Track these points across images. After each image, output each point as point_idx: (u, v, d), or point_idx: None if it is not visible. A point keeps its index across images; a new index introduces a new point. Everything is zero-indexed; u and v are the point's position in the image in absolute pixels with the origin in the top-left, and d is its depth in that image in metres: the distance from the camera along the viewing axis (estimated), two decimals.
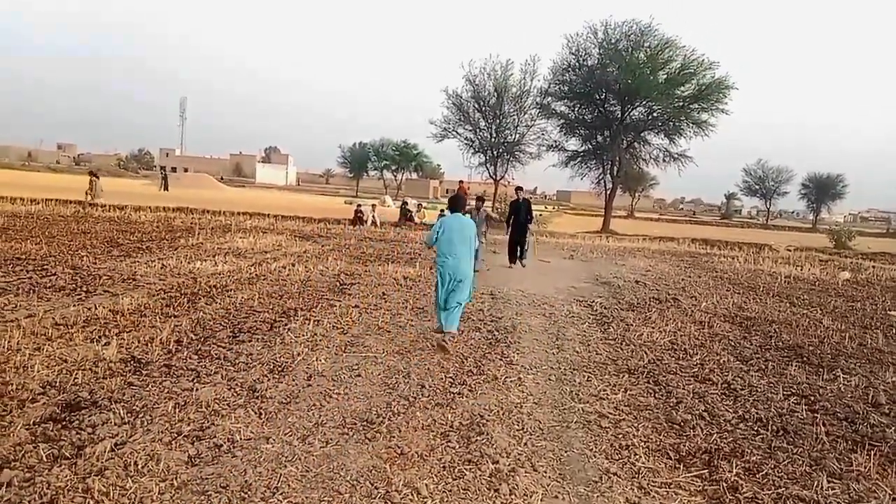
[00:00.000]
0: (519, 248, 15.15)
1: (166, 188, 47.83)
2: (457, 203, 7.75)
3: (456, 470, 4.06)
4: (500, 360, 6.78)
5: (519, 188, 16.50)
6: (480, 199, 15.91)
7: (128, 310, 7.64)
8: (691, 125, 33.58)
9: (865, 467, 4.51)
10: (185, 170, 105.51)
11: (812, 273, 18.58)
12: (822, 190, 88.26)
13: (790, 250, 29.03)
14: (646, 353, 7.47)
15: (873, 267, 22.38)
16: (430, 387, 5.68)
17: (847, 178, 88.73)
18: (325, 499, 3.61)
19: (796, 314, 10.88)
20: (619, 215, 48.27)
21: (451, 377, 6.02)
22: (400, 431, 4.61)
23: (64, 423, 4.31)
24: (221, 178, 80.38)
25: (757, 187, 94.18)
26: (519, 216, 15.12)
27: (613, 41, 33.18)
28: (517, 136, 34.98)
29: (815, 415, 5.64)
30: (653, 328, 8.90)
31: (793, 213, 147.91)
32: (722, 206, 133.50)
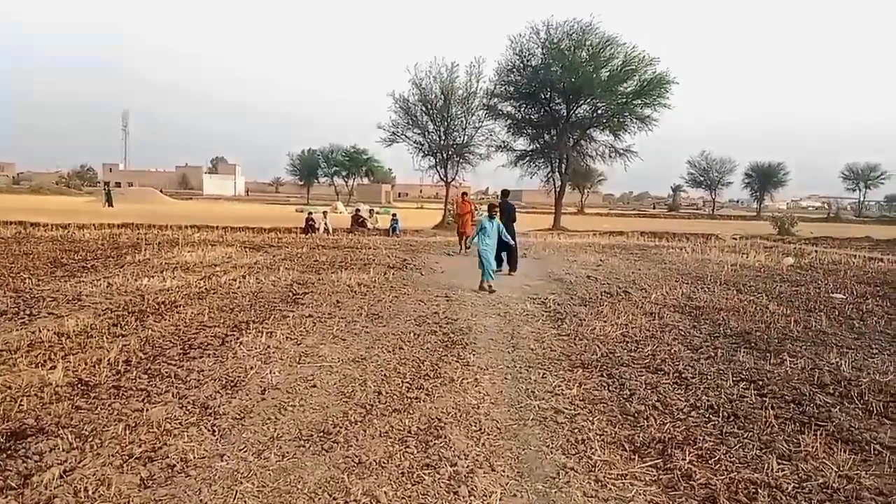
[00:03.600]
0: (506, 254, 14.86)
1: (110, 204, 46.63)
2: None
3: (415, 475, 4.05)
4: (457, 361, 6.80)
5: (506, 192, 16.24)
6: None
7: (73, 331, 7.44)
8: (635, 121, 34.15)
9: (813, 447, 4.64)
10: (130, 184, 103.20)
11: (757, 260, 19.08)
12: (765, 178, 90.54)
13: (736, 239, 29.75)
14: (599, 346, 7.58)
15: (815, 251, 23.06)
16: (387, 393, 5.67)
17: (788, 167, 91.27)
18: None
19: (743, 301, 11.15)
20: (569, 212, 48.84)
21: (407, 382, 6.01)
22: (357, 440, 4.59)
23: (8, 451, 4.18)
24: (161, 190, 78.56)
25: (701, 178, 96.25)
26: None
27: (556, 41, 33.49)
28: (465, 137, 35.01)
29: (764, 399, 5.79)
30: (605, 322, 9.02)
31: (737, 202, 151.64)
32: (669, 199, 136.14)
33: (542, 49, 33.94)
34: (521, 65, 34.56)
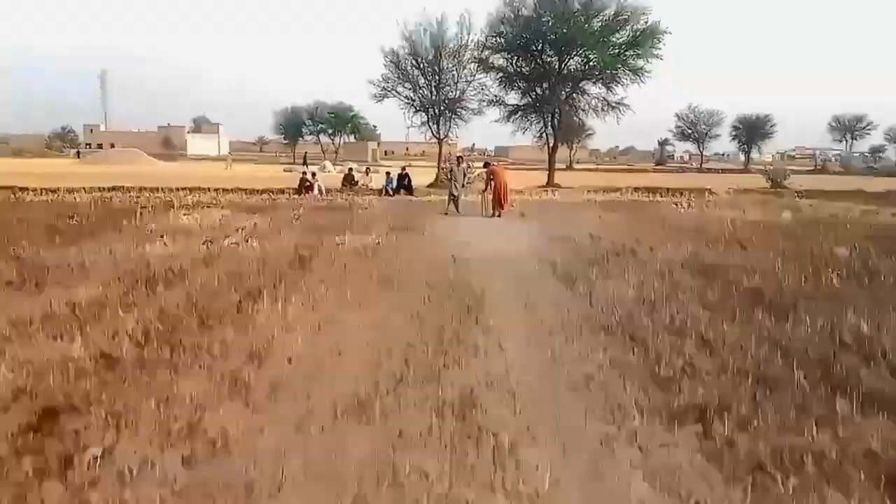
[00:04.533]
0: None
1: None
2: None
3: (458, 448, 4.02)
4: (477, 326, 6.76)
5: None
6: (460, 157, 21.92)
7: (85, 302, 7.31)
8: (627, 72, 33.84)
9: (848, 411, 4.65)
10: (112, 145, 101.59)
11: (755, 215, 19.10)
12: (752, 131, 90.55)
13: (729, 193, 29.80)
14: (615, 309, 7.54)
15: (811, 205, 23.13)
16: (415, 361, 5.62)
17: (774, 118, 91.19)
18: (334, 489, 3.54)
19: (750, 258, 11.13)
20: (560, 168, 48.52)
21: (432, 349, 5.97)
22: (394, 412, 4.55)
23: (44, 431, 4.11)
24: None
25: (689, 132, 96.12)
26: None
27: None
28: (457, 92, 34.64)
29: (791, 361, 5.78)
30: (617, 282, 9.00)
31: (723, 155, 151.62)
32: (655, 153, 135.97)
33: None
34: (512, 15, 34.03)
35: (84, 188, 23.86)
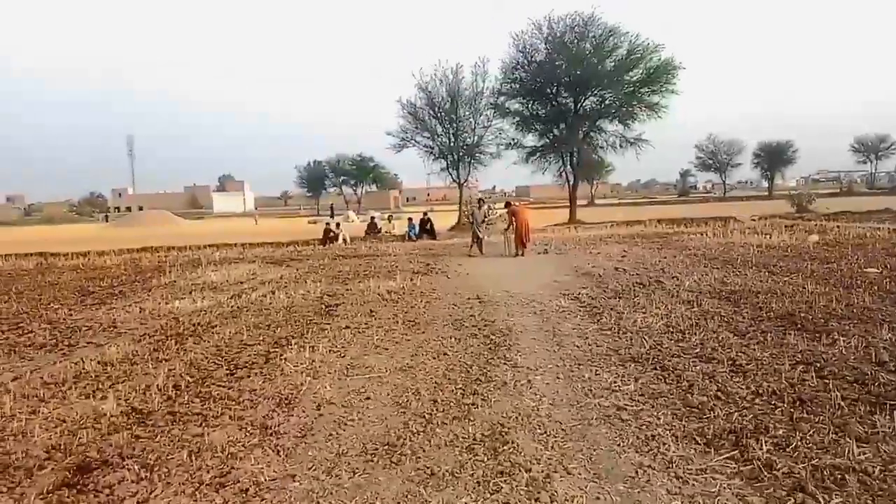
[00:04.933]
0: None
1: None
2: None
3: (491, 484, 3.97)
4: (505, 363, 6.72)
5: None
6: (481, 200, 22.75)
7: (116, 359, 7.42)
8: (644, 109, 34.00)
9: (889, 427, 4.53)
10: (140, 208, 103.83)
11: (781, 240, 18.89)
12: (774, 157, 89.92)
13: (755, 220, 29.53)
14: (644, 339, 7.47)
15: (837, 227, 22.83)
16: (443, 401, 5.60)
17: (795, 144, 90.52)
18: None
19: (778, 282, 11.00)
20: (581, 204, 48.59)
21: (461, 388, 5.94)
22: (424, 451, 4.52)
23: (79, 487, 4.13)
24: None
25: (710, 162, 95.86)
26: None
27: (558, 35, 33.46)
28: (475, 137, 35.01)
29: (826, 381, 5.66)
30: (644, 313, 8.92)
31: (746, 182, 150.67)
32: (678, 184, 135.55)
33: (546, 44, 33.95)
34: (526, 61, 34.58)
35: (114, 250, 24.29)
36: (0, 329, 9.62)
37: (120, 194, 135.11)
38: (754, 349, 6.83)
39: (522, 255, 18.49)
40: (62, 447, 4.81)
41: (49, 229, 62.56)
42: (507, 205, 21.02)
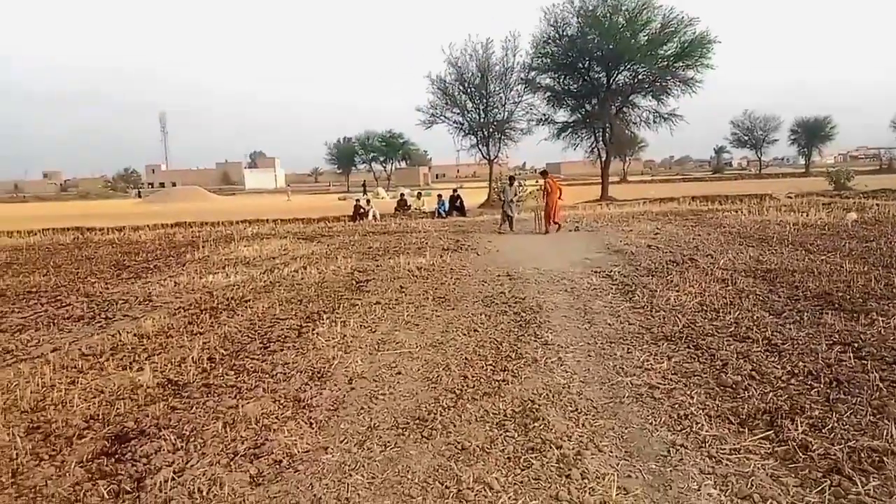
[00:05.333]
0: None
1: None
2: None
3: (522, 460, 3.97)
4: (535, 341, 6.70)
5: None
6: (512, 177, 22.36)
7: (152, 332, 7.56)
8: (678, 84, 33.45)
9: None
10: (174, 184, 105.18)
11: (819, 218, 18.51)
12: (812, 133, 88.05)
13: (791, 197, 28.98)
14: (678, 317, 7.39)
15: (877, 205, 22.30)
16: (473, 377, 5.60)
17: (834, 120, 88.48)
18: None
19: (815, 261, 10.79)
20: (613, 181, 48.12)
21: (490, 364, 5.94)
22: (455, 426, 4.53)
23: (116, 456, 4.23)
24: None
25: (746, 138, 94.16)
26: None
27: (591, 8, 33.00)
28: (506, 113, 34.82)
29: (864, 362, 5.55)
30: (678, 291, 8.82)
31: (783, 159, 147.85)
32: (712, 161, 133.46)
33: (578, 18, 33.50)
34: (557, 35, 34.16)
35: (148, 226, 24.66)
36: (39, 302, 9.84)
37: (153, 171, 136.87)
38: (790, 329, 6.73)
39: (546, 232, 18.35)
40: (100, 417, 4.92)
41: (84, 204, 63.74)
42: (544, 173, 20.59)
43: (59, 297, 10.12)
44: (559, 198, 19.08)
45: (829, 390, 4.94)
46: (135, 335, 7.46)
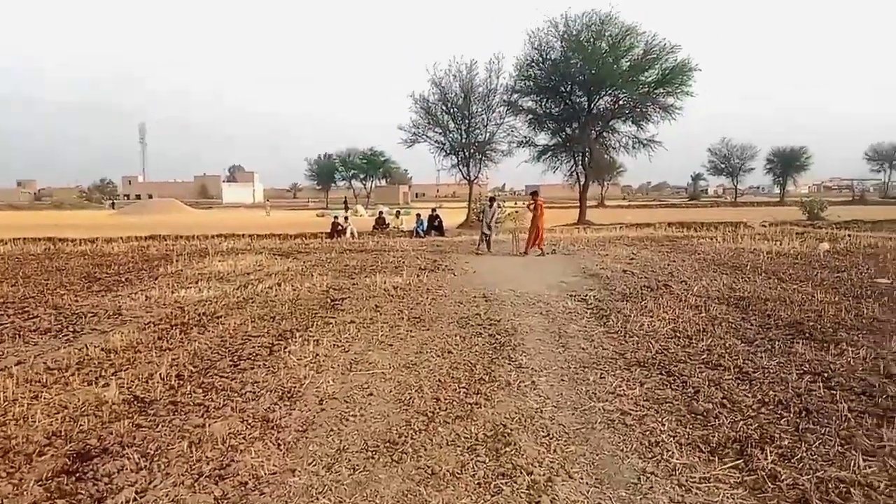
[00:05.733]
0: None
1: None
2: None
3: (492, 485, 3.94)
4: (509, 364, 6.68)
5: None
6: (493, 198, 22.10)
7: (120, 347, 7.42)
8: (658, 110, 33.81)
9: None
10: (150, 196, 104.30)
11: (792, 247, 18.75)
12: (787, 163, 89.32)
13: (765, 226, 29.33)
14: (651, 343, 7.41)
15: (849, 236, 22.66)
16: (446, 399, 5.56)
17: (809, 150, 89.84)
18: None
19: (787, 290, 10.91)
20: (591, 205, 48.49)
21: (464, 387, 5.90)
22: (426, 449, 4.48)
23: (77, 474, 4.12)
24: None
25: (723, 166, 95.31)
26: None
27: (574, 33, 33.26)
28: (487, 134, 34.88)
29: (834, 392, 5.60)
30: (651, 317, 8.86)
31: (758, 188, 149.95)
32: (688, 188, 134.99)
33: (561, 42, 33.74)
34: (541, 59, 34.40)
35: (122, 238, 24.32)
36: (6, 313, 9.64)
37: (130, 182, 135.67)
38: (761, 357, 6.77)
39: (526, 253, 18.36)
40: (63, 433, 4.80)
41: (58, 214, 62.83)
42: (534, 194, 20.11)
43: (26, 309, 9.93)
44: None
45: (798, 420, 4.96)
46: (102, 350, 7.32)
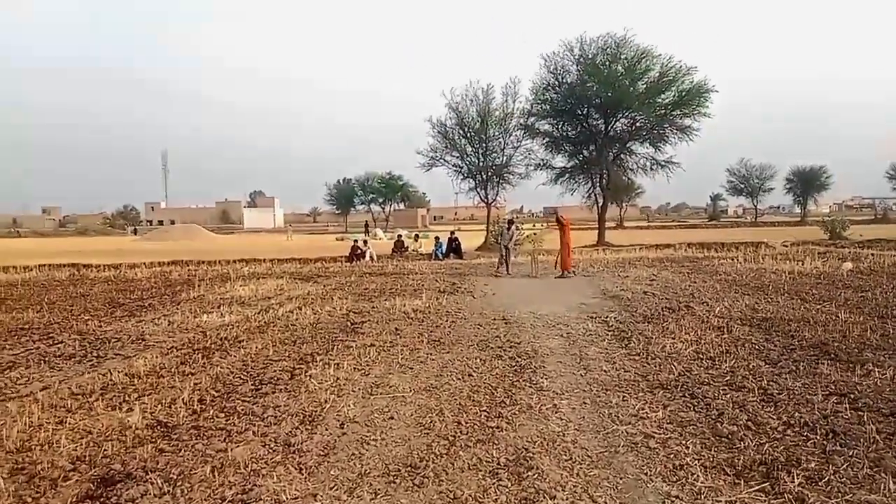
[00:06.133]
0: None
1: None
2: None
3: None
4: (530, 387, 6.65)
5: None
6: (511, 221, 22.23)
7: (143, 372, 7.48)
8: (675, 131, 33.77)
9: None
10: (172, 222, 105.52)
11: (815, 266, 18.54)
12: (807, 183, 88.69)
13: (787, 246, 29.06)
14: (673, 365, 7.35)
15: (872, 255, 22.39)
16: (467, 423, 5.54)
17: (829, 169, 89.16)
18: None
19: (811, 310, 10.78)
20: (610, 226, 48.35)
21: (485, 410, 5.88)
22: (447, 474, 4.47)
23: (102, 499, 4.15)
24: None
25: (742, 186, 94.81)
26: None
27: (590, 56, 33.45)
28: (504, 158, 35.00)
29: (860, 413, 5.52)
30: (674, 339, 8.79)
31: (778, 207, 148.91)
32: (708, 208, 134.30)
33: (577, 65, 33.93)
34: (557, 82, 34.60)
35: (144, 263, 24.60)
36: (31, 339, 9.77)
37: (153, 208, 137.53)
38: (786, 378, 6.69)
39: (563, 276, 18.14)
40: (87, 458, 4.84)
41: (82, 241, 63.68)
42: (557, 217, 20.22)
43: (51, 335, 10.06)
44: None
45: (825, 442, 4.89)
46: (126, 374, 7.39)
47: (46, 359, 8.41)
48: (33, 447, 5.11)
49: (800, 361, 7.40)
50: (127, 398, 6.46)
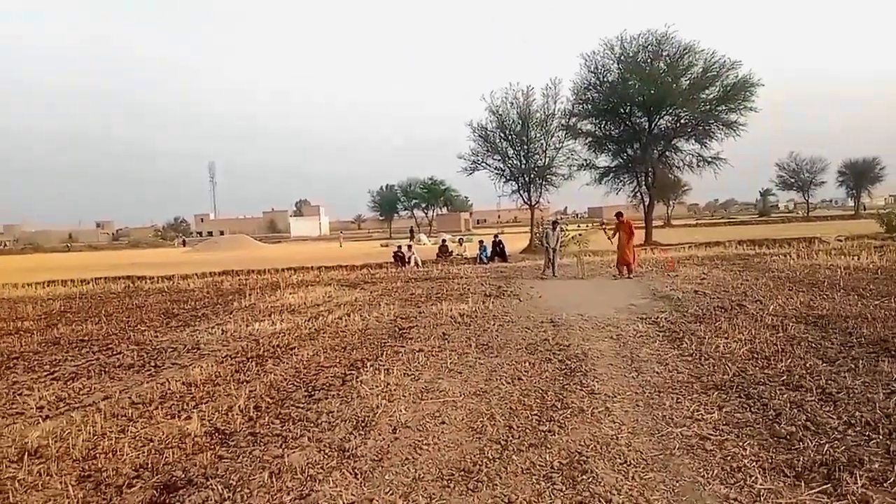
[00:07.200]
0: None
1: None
2: None
3: None
4: (581, 390, 6.61)
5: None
6: (555, 222, 21.55)
7: (200, 380, 7.66)
8: (721, 127, 33.22)
9: None
10: (221, 232, 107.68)
11: (871, 261, 18.01)
12: (860, 175, 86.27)
13: (841, 240, 28.31)
14: (727, 365, 7.23)
15: None
16: (519, 427, 5.54)
17: (883, 161, 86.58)
18: None
19: (868, 306, 10.47)
20: (657, 225, 47.73)
21: (536, 414, 5.87)
22: (501, 478, 4.47)
23: None
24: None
25: (792, 181, 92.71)
26: None
27: (631, 54, 33.19)
28: (546, 159, 34.91)
29: None
30: (727, 338, 8.64)
31: (831, 201, 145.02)
32: (758, 204, 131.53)
33: (618, 64, 33.70)
34: (598, 82, 34.40)
35: (196, 274, 25.19)
36: (91, 350, 10.08)
37: (202, 219, 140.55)
38: (845, 377, 6.52)
39: (629, 276, 17.84)
40: (149, 466, 4.98)
41: (135, 253, 65.46)
42: (619, 215, 19.65)
43: (110, 346, 10.37)
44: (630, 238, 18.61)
45: (888, 441, 4.75)
46: (183, 383, 7.58)
47: (106, 369, 8.67)
48: (98, 455, 5.28)
49: (859, 359, 7.21)
50: (185, 406, 6.63)
